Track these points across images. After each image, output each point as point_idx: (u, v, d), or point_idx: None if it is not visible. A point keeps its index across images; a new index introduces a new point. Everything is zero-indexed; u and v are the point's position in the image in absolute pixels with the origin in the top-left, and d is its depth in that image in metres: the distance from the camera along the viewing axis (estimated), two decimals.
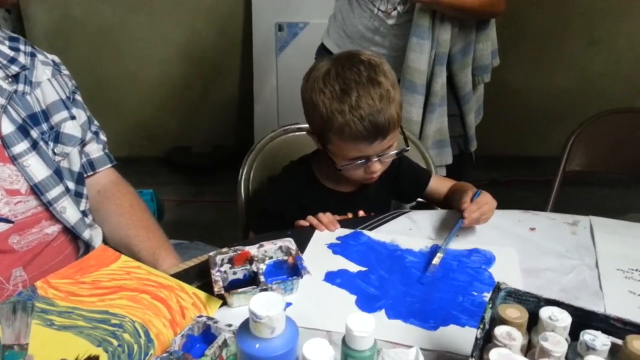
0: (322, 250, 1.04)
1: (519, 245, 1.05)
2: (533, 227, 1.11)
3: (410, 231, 1.11)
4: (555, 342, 0.63)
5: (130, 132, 3.06)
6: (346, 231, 1.10)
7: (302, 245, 1.03)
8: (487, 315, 0.68)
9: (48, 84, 1.10)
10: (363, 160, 1.11)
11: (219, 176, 2.89)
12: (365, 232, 1.10)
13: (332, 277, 0.96)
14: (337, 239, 1.07)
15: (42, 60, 1.12)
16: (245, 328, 0.59)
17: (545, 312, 0.67)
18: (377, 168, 1.13)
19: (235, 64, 3.03)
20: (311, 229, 1.10)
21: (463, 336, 0.82)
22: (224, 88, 3.09)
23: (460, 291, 0.93)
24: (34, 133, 1.05)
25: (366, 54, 1.13)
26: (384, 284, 0.95)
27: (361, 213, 1.20)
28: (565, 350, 0.63)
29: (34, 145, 1.04)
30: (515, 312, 0.68)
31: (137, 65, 3.02)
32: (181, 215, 2.68)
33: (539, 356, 0.62)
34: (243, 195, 1.42)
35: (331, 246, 1.05)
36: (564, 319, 0.66)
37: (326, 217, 1.12)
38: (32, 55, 1.10)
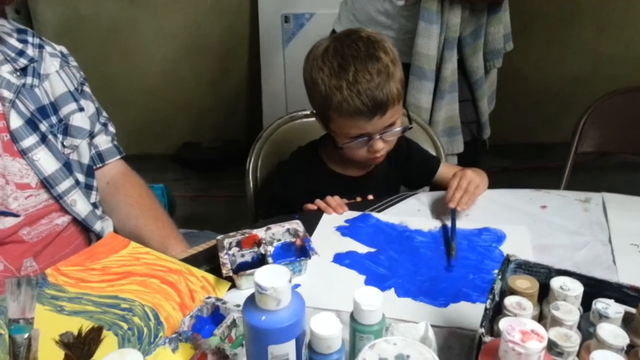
0: (330, 232, 1.03)
1: (530, 223, 1.04)
2: (544, 205, 1.10)
3: (419, 212, 1.10)
4: (567, 311, 0.61)
5: (139, 129, 3.07)
6: (354, 214, 1.09)
7: (310, 228, 1.02)
8: (497, 287, 0.67)
9: (56, 75, 1.10)
10: (365, 139, 1.10)
11: (229, 171, 2.90)
12: (374, 214, 1.09)
13: (341, 259, 0.96)
14: (346, 221, 1.07)
15: (50, 52, 1.11)
16: (251, 301, 0.59)
17: (556, 282, 0.66)
18: (380, 147, 1.12)
19: (242, 58, 3.04)
20: (319, 212, 1.10)
21: (474, 312, 0.81)
22: (232, 82, 3.10)
23: (471, 269, 0.92)
24: (43, 126, 1.04)
25: (367, 31, 1.12)
26: (394, 264, 0.94)
27: (370, 197, 1.19)
28: (577, 318, 0.61)
29: (43, 139, 1.04)
30: (525, 282, 0.67)
31: (145, 63, 3.04)
32: (193, 211, 2.69)
33: (550, 325, 0.61)
34: (252, 183, 1.42)
35: (340, 228, 1.04)
36: (576, 289, 0.65)
37: (334, 200, 1.11)
38: (40, 47, 1.10)
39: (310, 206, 1.12)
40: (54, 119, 1.08)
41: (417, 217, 1.08)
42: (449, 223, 1.04)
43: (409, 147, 1.29)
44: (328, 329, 0.60)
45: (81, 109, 1.12)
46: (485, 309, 0.63)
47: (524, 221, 1.05)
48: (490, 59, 1.62)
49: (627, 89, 1.66)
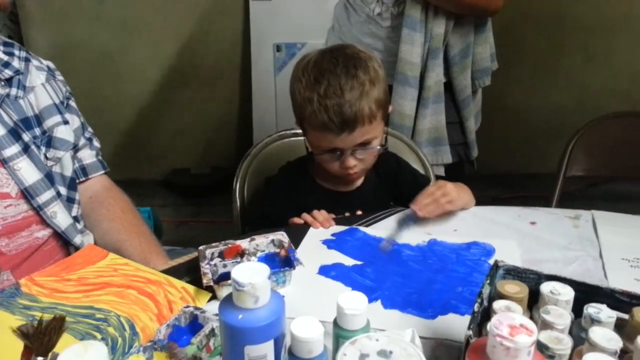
0: (316, 245, 1.01)
1: (520, 239, 1.02)
2: (534, 221, 1.09)
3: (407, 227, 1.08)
4: (558, 315, 0.59)
5: (129, 154, 3.06)
6: (341, 228, 1.07)
7: (296, 242, 1.00)
8: (485, 291, 0.65)
9: (42, 88, 1.10)
10: (337, 153, 1.10)
11: (218, 197, 2.88)
12: (361, 228, 1.07)
13: (327, 271, 0.93)
14: (332, 235, 1.05)
15: (36, 66, 1.11)
16: (228, 300, 0.56)
17: (546, 287, 0.64)
18: (352, 163, 1.10)
19: (234, 86, 3.05)
20: (306, 226, 1.08)
21: (462, 324, 0.77)
22: (223, 110, 3.10)
23: (460, 282, 0.89)
24: (26, 137, 1.04)
25: (355, 48, 1.12)
26: (381, 277, 0.91)
27: (359, 214, 1.17)
28: (569, 323, 0.59)
29: (26, 149, 1.03)
30: (514, 287, 0.65)
31: (136, 89, 3.04)
32: (180, 236, 2.65)
33: (540, 329, 0.58)
34: (239, 202, 1.40)
35: (326, 242, 1.02)
36: (567, 293, 0.63)
37: (321, 214, 1.09)
38: (27, 60, 1.10)
39: (297, 220, 1.10)
40: (37, 131, 1.07)
41: (405, 232, 1.05)
42: (437, 237, 1.02)
43: (399, 165, 1.28)
44: (309, 332, 0.57)
45: (66, 122, 1.12)
46: (473, 312, 0.61)
47: (513, 236, 1.03)
48: (479, 77, 1.63)
49: (616, 114, 1.68)
